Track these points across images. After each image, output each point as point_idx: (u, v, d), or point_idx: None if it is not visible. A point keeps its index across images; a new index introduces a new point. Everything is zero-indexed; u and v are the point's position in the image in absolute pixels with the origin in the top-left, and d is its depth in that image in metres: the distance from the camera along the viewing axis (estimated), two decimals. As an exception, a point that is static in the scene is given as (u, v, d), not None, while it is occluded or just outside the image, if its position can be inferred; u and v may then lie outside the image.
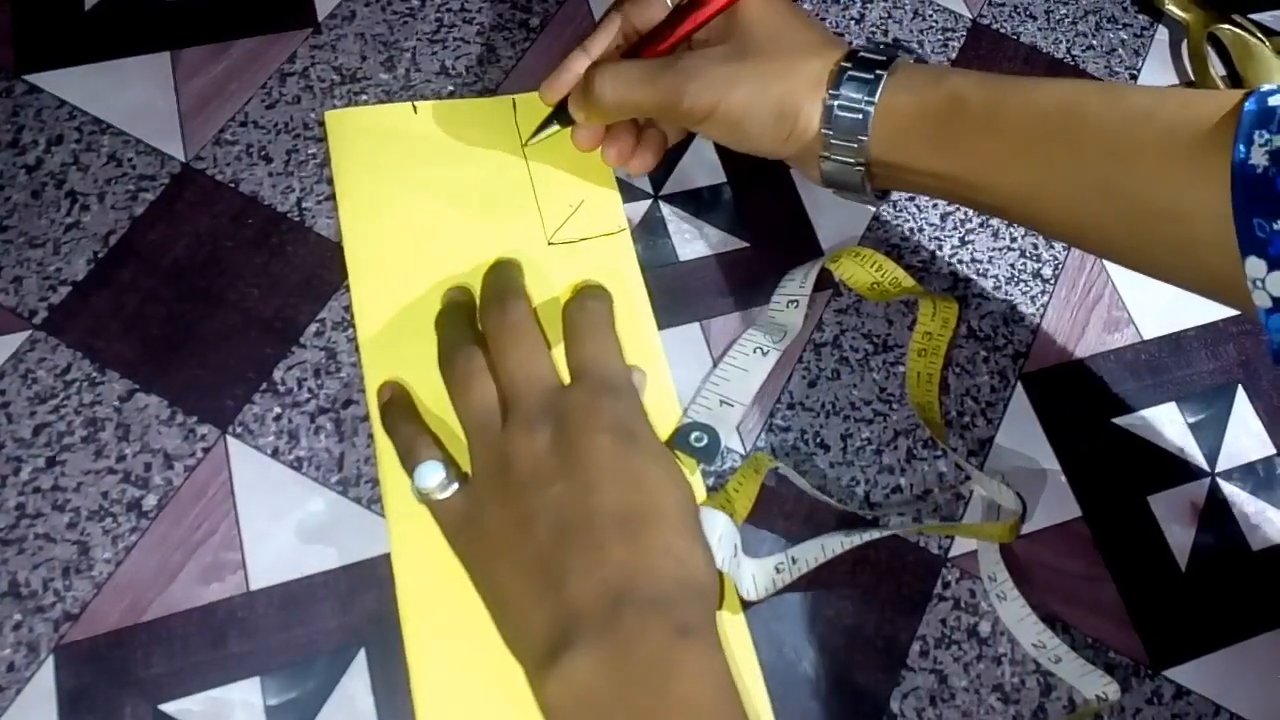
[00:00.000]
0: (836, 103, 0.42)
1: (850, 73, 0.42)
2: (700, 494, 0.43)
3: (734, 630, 0.41)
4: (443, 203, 0.48)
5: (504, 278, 0.44)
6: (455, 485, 0.39)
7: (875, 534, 0.43)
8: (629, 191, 0.51)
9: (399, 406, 0.43)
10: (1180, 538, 0.47)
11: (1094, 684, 0.42)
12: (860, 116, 0.42)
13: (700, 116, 0.43)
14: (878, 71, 0.42)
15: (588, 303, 0.44)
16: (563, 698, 0.33)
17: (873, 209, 0.52)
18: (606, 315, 0.44)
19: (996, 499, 0.45)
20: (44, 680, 0.39)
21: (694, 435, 0.44)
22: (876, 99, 0.42)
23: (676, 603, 0.35)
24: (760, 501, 0.44)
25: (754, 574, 0.41)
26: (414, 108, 0.49)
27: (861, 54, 0.43)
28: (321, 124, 0.50)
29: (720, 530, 0.40)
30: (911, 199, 0.53)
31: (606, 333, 0.43)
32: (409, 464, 0.40)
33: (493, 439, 0.39)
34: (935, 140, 0.42)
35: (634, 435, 0.39)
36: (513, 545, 0.37)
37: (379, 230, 0.47)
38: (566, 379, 0.41)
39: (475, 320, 0.44)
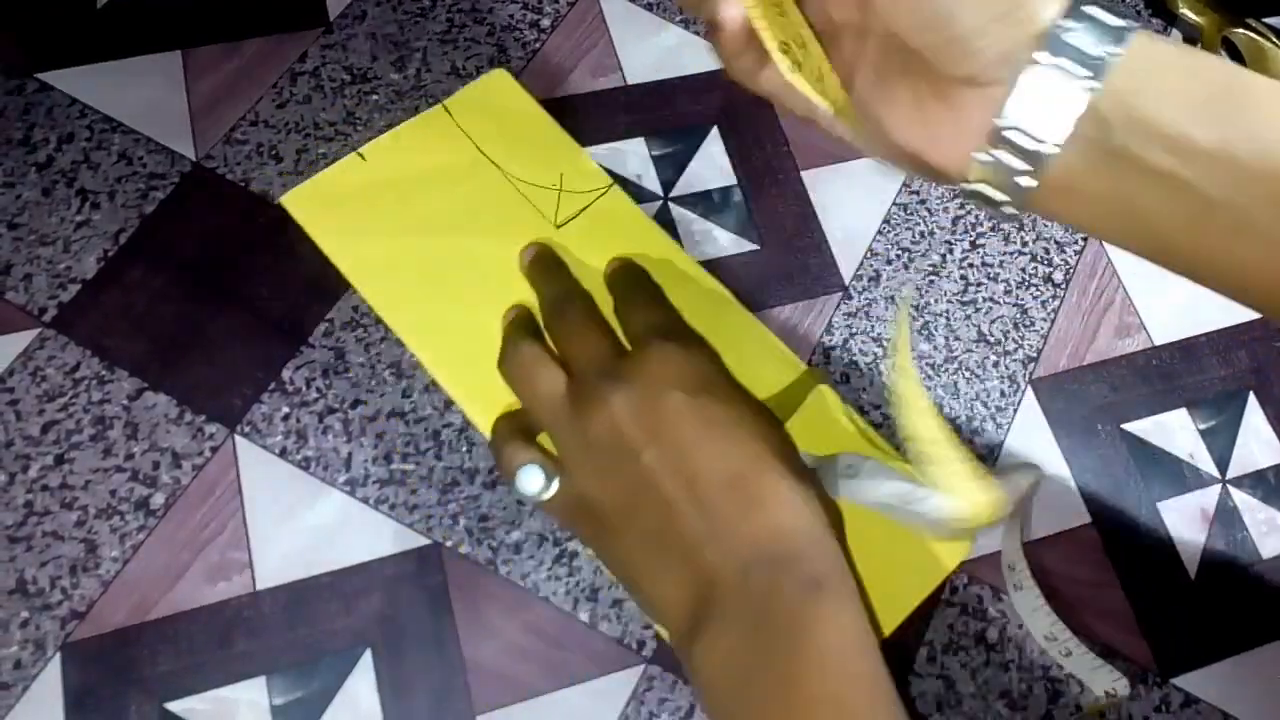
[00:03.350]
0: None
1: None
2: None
3: None
4: (439, 233, 0.47)
5: (554, 277, 0.44)
6: (556, 482, 0.38)
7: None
8: (638, 193, 0.51)
9: (503, 420, 0.41)
10: (1190, 545, 0.47)
11: (1103, 679, 0.42)
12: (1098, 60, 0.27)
13: None
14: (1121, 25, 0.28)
15: (625, 268, 0.43)
16: (708, 667, 0.34)
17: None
18: (647, 277, 0.43)
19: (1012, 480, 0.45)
20: (51, 677, 0.39)
21: None
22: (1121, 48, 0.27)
23: (802, 555, 0.35)
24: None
25: None
26: (360, 155, 0.48)
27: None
28: (330, 133, 0.50)
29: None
30: (922, 201, 0.53)
31: (653, 290, 0.43)
32: (507, 473, 0.39)
33: (568, 421, 0.38)
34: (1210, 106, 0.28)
35: (708, 385, 0.38)
36: (625, 522, 0.36)
37: (395, 283, 0.46)
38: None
39: (536, 328, 0.43)
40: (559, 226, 0.48)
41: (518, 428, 0.40)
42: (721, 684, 0.33)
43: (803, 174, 0.53)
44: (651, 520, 0.36)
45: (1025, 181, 0.30)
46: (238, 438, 0.44)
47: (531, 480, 0.37)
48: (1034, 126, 0.29)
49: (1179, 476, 0.48)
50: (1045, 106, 0.28)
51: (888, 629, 0.40)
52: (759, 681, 0.33)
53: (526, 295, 0.46)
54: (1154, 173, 0.28)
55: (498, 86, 0.51)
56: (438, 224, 0.47)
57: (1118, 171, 0.28)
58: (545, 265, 0.45)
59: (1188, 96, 0.28)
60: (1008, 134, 0.29)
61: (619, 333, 0.41)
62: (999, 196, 0.30)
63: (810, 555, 0.35)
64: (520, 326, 0.43)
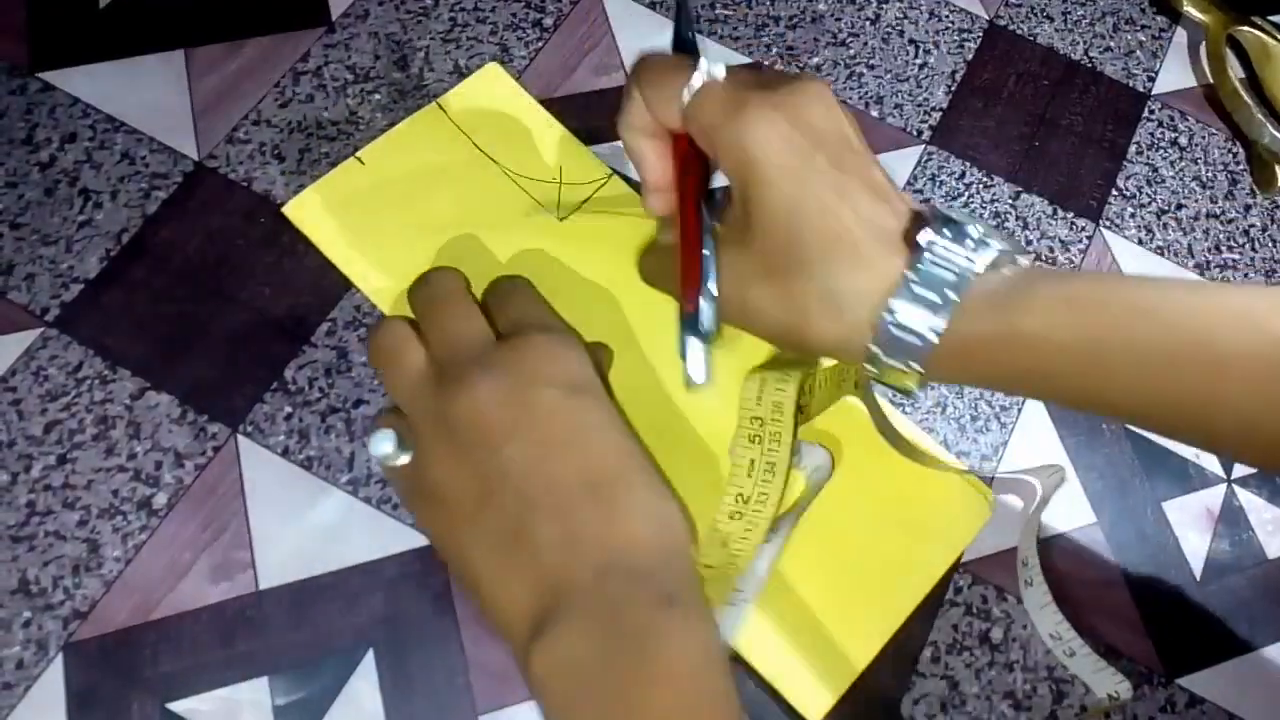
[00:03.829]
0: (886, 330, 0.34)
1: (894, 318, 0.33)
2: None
3: None
4: (442, 231, 0.47)
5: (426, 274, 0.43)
6: (407, 455, 0.36)
7: None
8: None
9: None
10: (1195, 545, 0.47)
11: (1106, 682, 0.42)
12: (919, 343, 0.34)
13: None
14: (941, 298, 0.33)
15: (503, 281, 0.42)
16: (549, 671, 0.32)
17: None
18: (524, 281, 0.42)
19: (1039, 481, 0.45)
20: (53, 678, 0.39)
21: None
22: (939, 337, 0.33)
23: (659, 570, 0.34)
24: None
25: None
26: (359, 159, 0.48)
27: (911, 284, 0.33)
28: (333, 133, 0.50)
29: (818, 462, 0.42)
30: (918, 191, 0.53)
31: (533, 297, 0.42)
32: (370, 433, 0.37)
33: (429, 402, 0.36)
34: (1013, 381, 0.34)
35: (583, 387, 0.37)
36: (476, 514, 0.35)
37: (401, 285, 0.46)
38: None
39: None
40: (562, 219, 0.48)
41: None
42: (561, 689, 0.32)
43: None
44: (503, 518, 0.34)
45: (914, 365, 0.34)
46: (240, 437, 0.44)
47: (384, 442, 0.35)
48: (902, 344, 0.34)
49: (1184, 476, 0.48)
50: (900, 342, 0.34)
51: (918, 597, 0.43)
52: (602, 689, 0.32)
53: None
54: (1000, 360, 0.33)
55: (491, 81, 0.51)
56: (440, 222, 0.47)
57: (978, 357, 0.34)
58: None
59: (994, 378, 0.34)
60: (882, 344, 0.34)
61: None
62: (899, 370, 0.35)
63: (666, 570, 0.35)
64: (397, 310, 0.42)
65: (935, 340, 0.33)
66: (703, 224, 0.38)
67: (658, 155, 0.40)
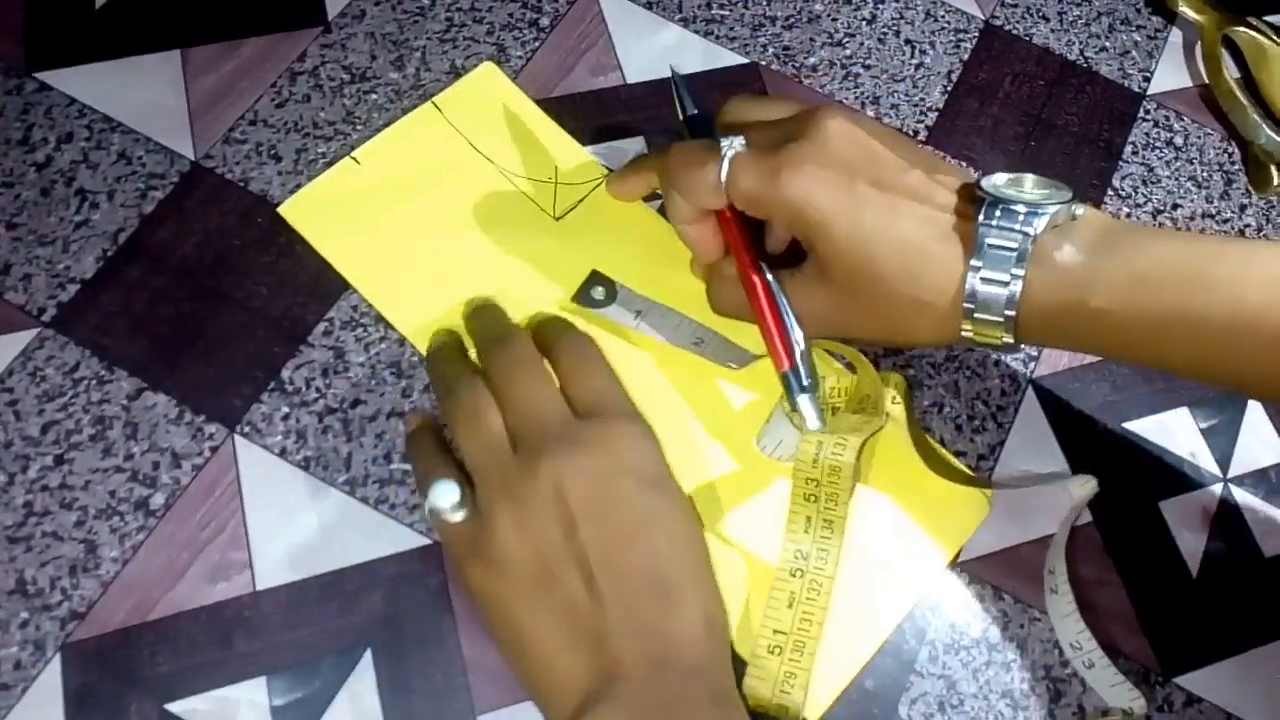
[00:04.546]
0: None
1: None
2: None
3: None
4: (440, 232, 0.47)
5: (494, 317, 0.44)
6: (468, 510, 0.37)
7: None
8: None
9: (423, 433, 0.42)
10: (1192, 544, 0.47)
11: (1121, 696, 0.42)
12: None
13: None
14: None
15: (573, 332, 0.42)
16: None
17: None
18: (596, 347, 0.42)
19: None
20: (50, 678, 0.39)
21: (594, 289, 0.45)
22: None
23: (709, 667, 0.36)
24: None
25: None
26: (355, 159, 0.48)
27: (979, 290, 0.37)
28: (329, 133, 0.50)
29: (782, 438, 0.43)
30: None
31: (604, 365, 0.42)
32: (424, 485, 0.38)
33: (506, 468, 0.37)
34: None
35: (658, 481, 0.38)
36: (537, 587, 0.36)
37: (398, 284, 0.46)
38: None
39: (467, 356, 0.43)
40: (558, 219, 0.48)
41: (440, 443, 0.41)
42: None
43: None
44: (568, 597, 0.35)
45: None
46: (237, 438, 0.44)
47: (447, 495, 0.36)
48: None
49: (1180, 475, 0.48)
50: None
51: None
52: None
53: (528, 290, 0.46)
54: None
55: (486, 81, 0.51)
56: (436, 222, 0.47)
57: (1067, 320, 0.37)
58: (481, 305, 0.45)
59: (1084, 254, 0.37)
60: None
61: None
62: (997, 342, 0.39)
63: (717, 669, 0.36)
64: (454, 356, 0.42)
65: (1013, 314, 0.37)
66: (769, 283, 0.41)
67: (711, 235, 0.43)
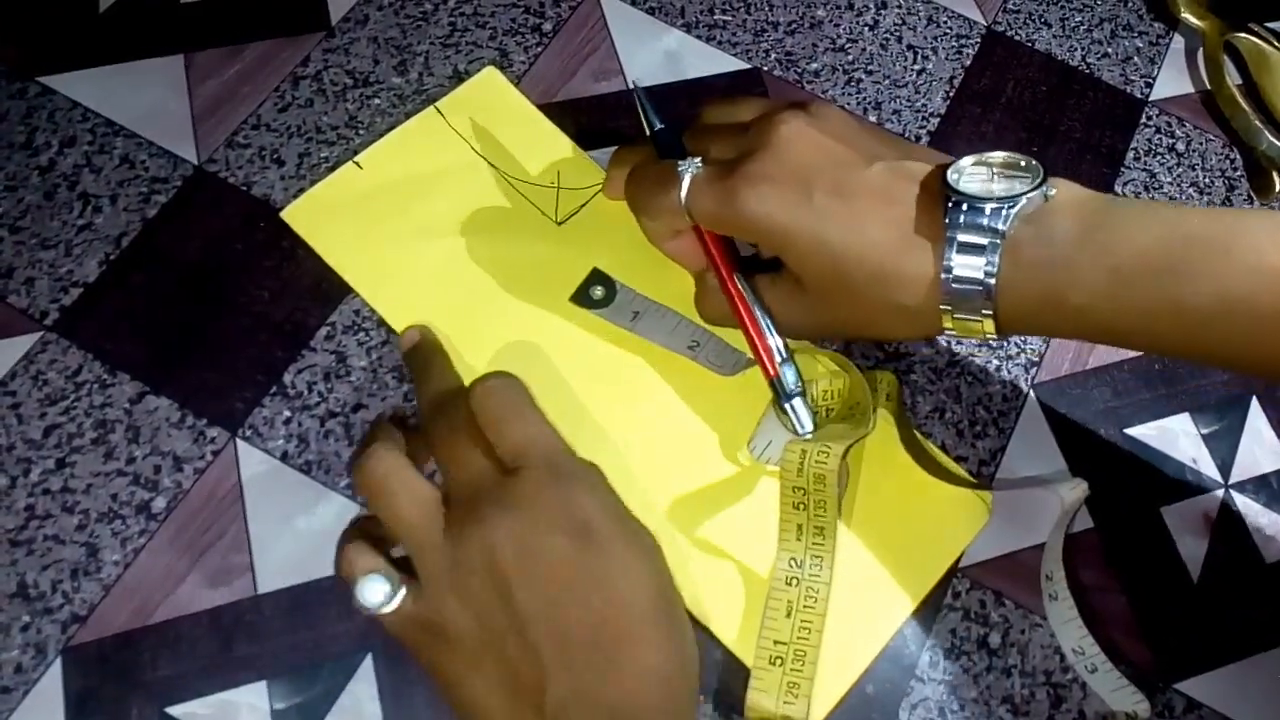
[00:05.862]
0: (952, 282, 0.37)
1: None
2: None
3: None
4: (442, 237, 0.47)
5: (436, 371, 0.42)
6: (401, 593, 0.36)
7: None
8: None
9: (351, 529, 0.40)
10: (1192, 549, 0.47)
11: (1125, 700, 0.41)
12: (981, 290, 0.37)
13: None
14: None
15: (492, 384, 0.39)
16: None
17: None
18: (523, 393, 0.39)
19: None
20: (51, 682, 0.39)
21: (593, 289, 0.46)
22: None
23: None
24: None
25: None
26: (357, 164, 0.48)
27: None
28: (332, 137, 0.50)
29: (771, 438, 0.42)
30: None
31: (531, 411, 0.39)
32: (346, 578, 0.36)
33: (436, 535, 0.36)
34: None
35: (591, 530, 0.36)
36: (479, 657, 0.34)
37: (400, 290, 0.46)
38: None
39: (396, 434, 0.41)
40: (560, 224, 0.48)
41: (363, 531, 0.38)
42: None
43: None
44: (508, 665, 0.34)
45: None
46: (239, 441, 0.44)
47: (374, 591, 0.35)
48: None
49: (1181, 481, 0.48)
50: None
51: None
52: None
53: (531, 293, 0.46)
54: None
55: (488, 85, 0.51)
56: (439, 228, 0.47)
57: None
58: (426, 355, 0.43)
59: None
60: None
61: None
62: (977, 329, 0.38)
63: None
64: (382, 431, 0.41)
65: (990, 312, 0.36)
66: (748, 295, 0.41)
67: (690, 249, 0.43)
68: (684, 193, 0.40)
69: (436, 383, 0.41)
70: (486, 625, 0.34)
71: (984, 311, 0.36)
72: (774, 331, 0.41)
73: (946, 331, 0.38)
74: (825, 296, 0.39)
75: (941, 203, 0.37)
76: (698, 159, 0.40)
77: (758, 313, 0.41)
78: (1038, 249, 0.36)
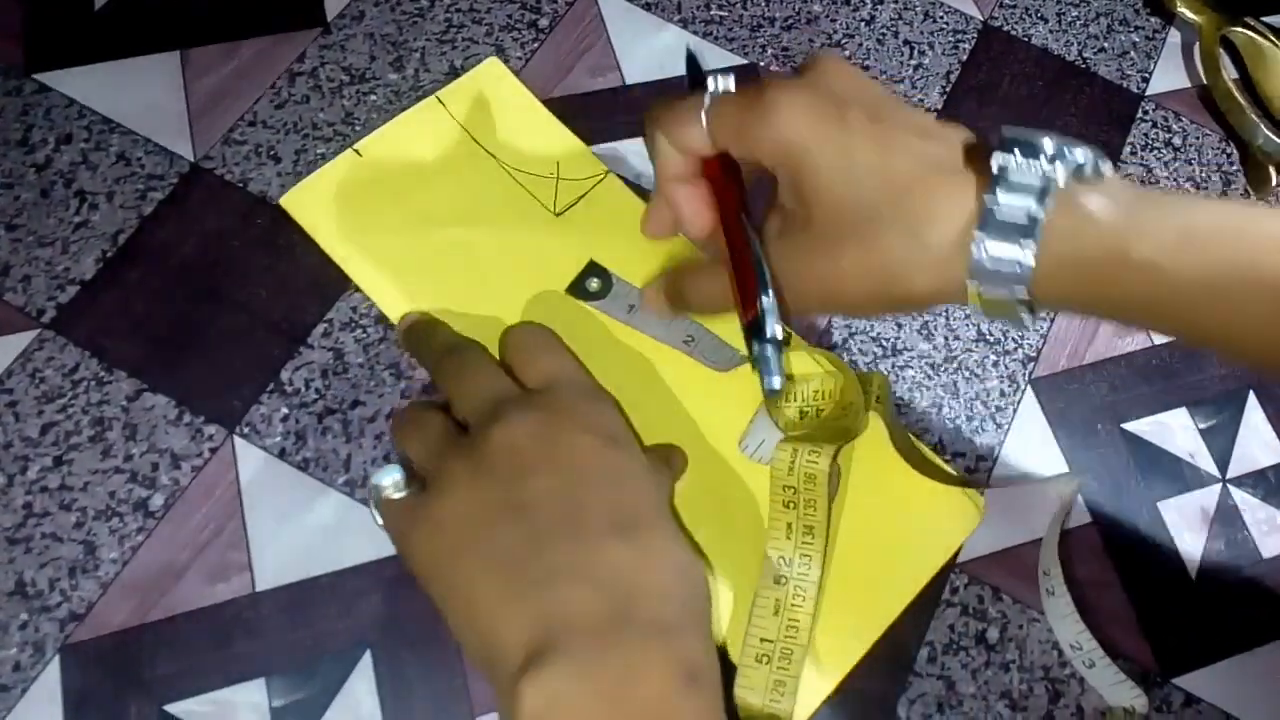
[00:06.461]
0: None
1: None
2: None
3: None
4: (439, 225, 0.47)
5: (436, 333, 0.42)
6: (411, 489, 0.35)
7: None
8: (637, 193, 0.51)
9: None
10: (1191, 544, 0.47)
11: (1123, 694, 0.42)
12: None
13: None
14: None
15: (526, 325, 0.40)
16: (547, 705, 0.29)
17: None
18: (549, 333, 0.40)
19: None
20: (50, 680, 0.39)
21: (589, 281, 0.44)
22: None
23: (682, 631, 0.32)
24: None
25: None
26: (357, 152, 0.48)
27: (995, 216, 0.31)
28: (329, 134, 0.50)
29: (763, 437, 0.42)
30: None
31: (558, 347, 0.39)
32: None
33: (455, 446, 0.35)
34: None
35: (618, 439, 0.36)
36: (480, 538, 0.32)
37: (397, 278, 0.46)
38: None
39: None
40: (558, 214, 0.48)
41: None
42: None
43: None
44: (513, 540, 0.32)
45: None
46: (237, 439, 0.44)
47: (388, 473, 0.35)
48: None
49: (1179, 476, 0.48)
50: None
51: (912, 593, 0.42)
52: None
53: (529, 286, 0.46)
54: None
55: (491, 77, 0.51)
56: (437, 217, 0.47)
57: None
58: (427, 326, 0.42)
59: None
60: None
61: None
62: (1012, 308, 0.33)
63: (688, 634, 0.32)
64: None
65: (1032, 264, 0.31)
66: (747, 232, 0.37)
67: (700, 199, 0.39)
68: (707, 105, 0.35)
69: (441, 338, 0.41)
70: (493, 505, 0.33)
71: (1024, 260, 0.31)
72: (768, 285, 0.37)
73: (968, 292, 0.33)
74: (837, 237, 0.34)
75: (988, 144, 0.32)
76: (732, 78, 0.36)
77: (756, 249, 0.37)
78: (1094, 202, 0.31)
